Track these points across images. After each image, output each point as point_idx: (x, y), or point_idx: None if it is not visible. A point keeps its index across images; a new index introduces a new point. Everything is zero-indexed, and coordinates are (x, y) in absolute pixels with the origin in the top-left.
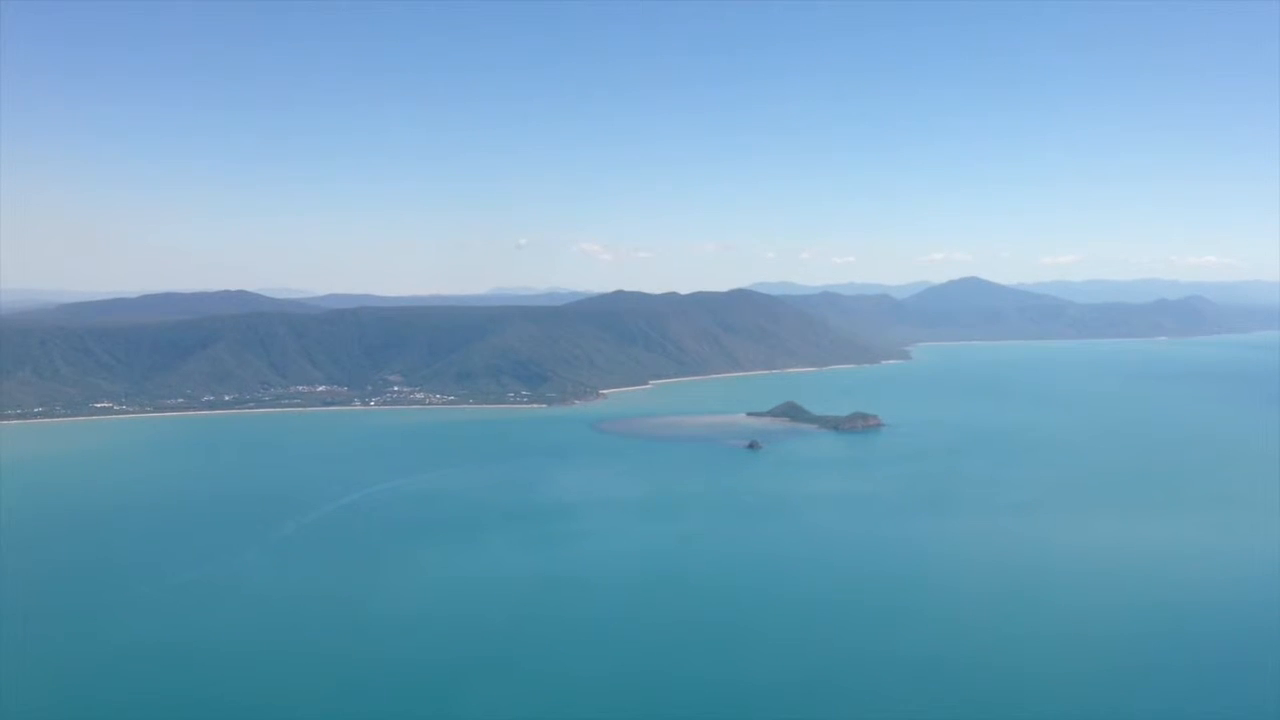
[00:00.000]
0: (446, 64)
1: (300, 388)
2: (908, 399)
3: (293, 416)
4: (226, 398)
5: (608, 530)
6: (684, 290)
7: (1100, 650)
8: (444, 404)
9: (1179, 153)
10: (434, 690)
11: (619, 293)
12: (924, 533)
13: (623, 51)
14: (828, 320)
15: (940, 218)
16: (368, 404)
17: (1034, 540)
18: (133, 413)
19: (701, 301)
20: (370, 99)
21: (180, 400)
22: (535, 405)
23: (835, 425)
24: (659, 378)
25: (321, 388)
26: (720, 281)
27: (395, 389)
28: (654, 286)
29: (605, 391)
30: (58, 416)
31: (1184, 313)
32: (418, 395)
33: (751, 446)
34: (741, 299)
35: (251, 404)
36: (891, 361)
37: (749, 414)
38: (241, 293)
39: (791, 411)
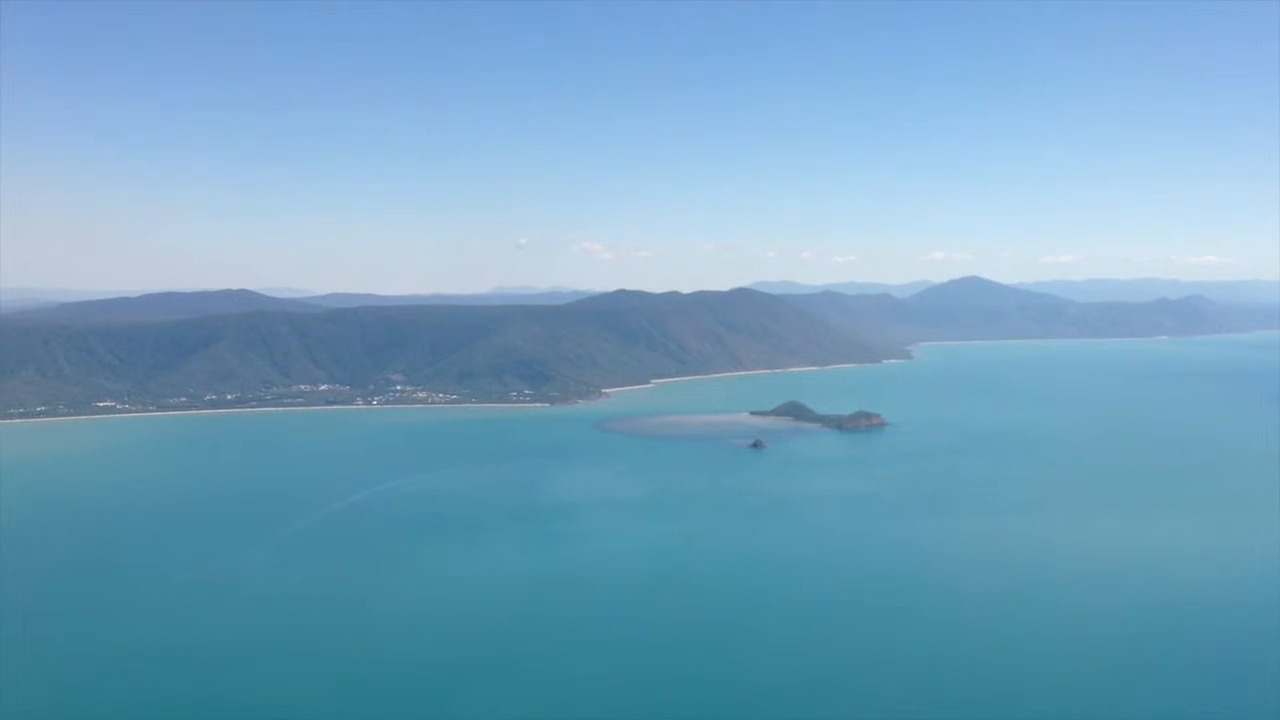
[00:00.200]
0: (447, 64)
1: (302, 387)
2: (910, 398)
3: (295, 416)
4: (229, 397)
5: (611, 530)
6: (685, 289)
7: (1101, 650)
8: (446, 403)
9: (1179, 152)
10: (436, 690)
11: (621, 292)
12: (926, 532)
13: (623, 51)
14: (829, 320)
15: (941, 217)
16: (370, 403)
17: (1035, 540)
18: (135, 412)
19: (703, 301)
20: (370, 99)
21: (183, 399)
22: (538, 404)
23: (838, 424)
24: (661, 377)
25: (324, 387)
26: (721, 281)
27: (397, 388)
28: (655, 286)
29: (608, 390)
30: (61, 415)
31: (1184, 312)
32: (420, 394)
33: (755, 446)
34: (743, 298)
35: (254, 403)
36: (893, 361)
37: (752, 413)
38: (243, 292)
39: (795, 411)
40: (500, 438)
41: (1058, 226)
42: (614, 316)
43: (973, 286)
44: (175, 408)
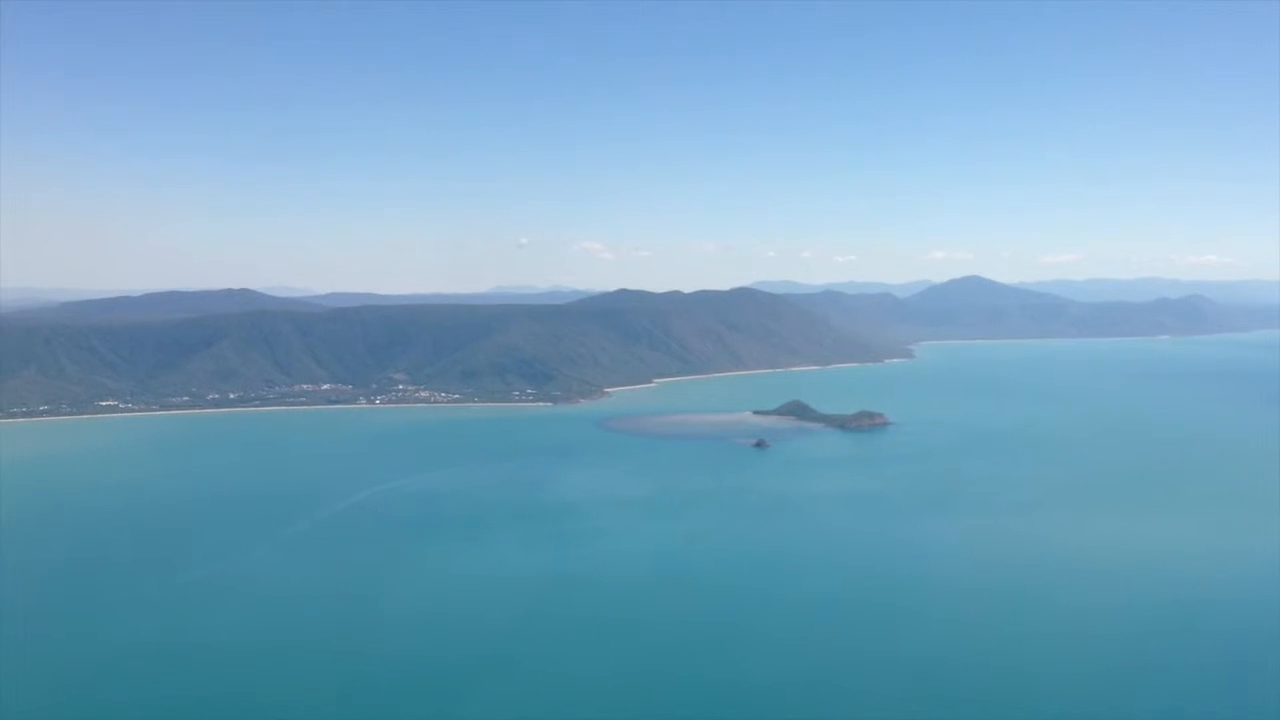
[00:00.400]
0: (447, 63)
1: (305, 386)
2: (913, 398)
3: (298, 415)
4: (231, 396)
5: (616, 529)
6: (686, 289)
7: (1103, 649)
8: (449, 402)
9: (1179, 152)
10: (442, 689)
11: (622, 291)
12: (930, 532)
13: (623, 51)
14: (830, 319)
15: (941, 217)
16: (372, 402)
17: (1039, 539)
18: (138, 411)
19: (705, 300)
20: (370, 98)
21: (185, 398)
22: (540, 403)
23: (841, 424)
24: (663, 376)
25: (326, 386)
26: (721, 281)
27: (400, 387)
28: (655, 285)
29: (610, 390)
30: (63, 415)
31: (1185, 312)
32: (422, 394)
33: (759, 445)
34: (744, 297)
35: (256, 402)
36: (895, 360)
37: (755, 412)
38: (245, 291)
39: (797, 410)
40: (503, 437)
41: (1058, 226)
42: (616, 316)
43: (973, 286)
44: (178, 407)
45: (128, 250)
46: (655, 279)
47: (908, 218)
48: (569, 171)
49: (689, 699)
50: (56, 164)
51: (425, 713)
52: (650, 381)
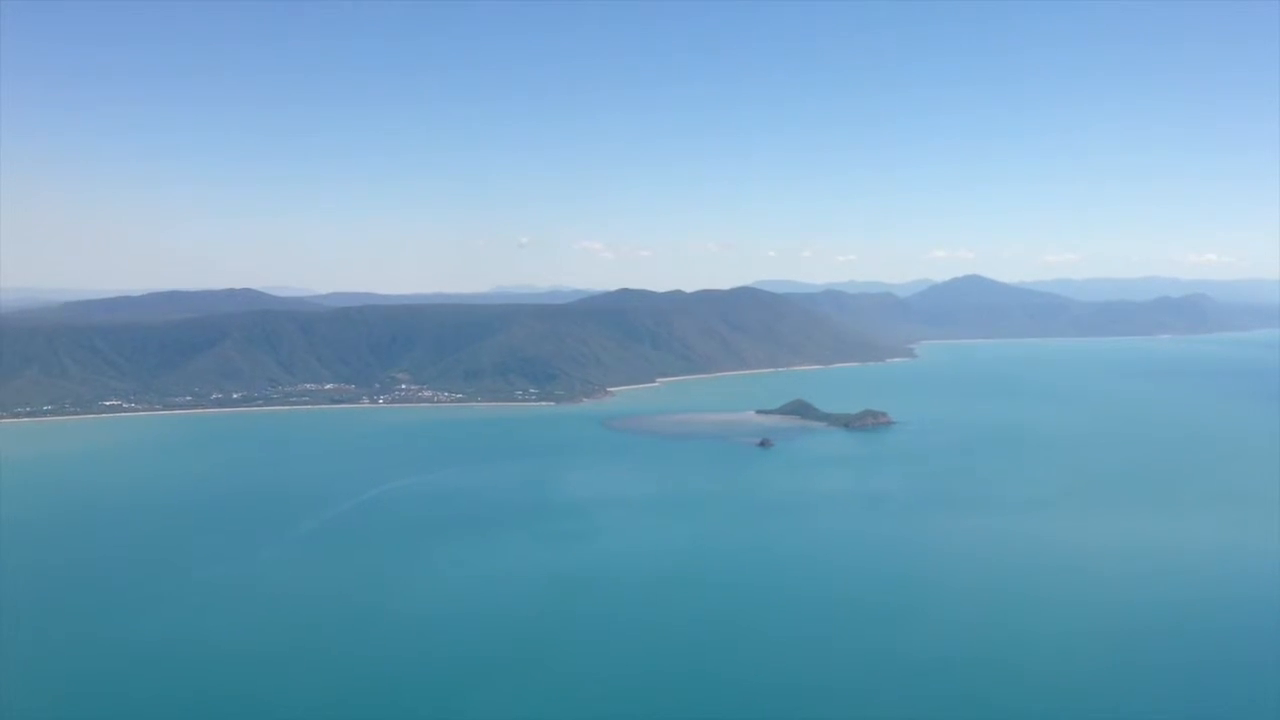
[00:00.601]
0: (447, 63)
1: (308, 386)
2: (916, 397)
3: (301, 414)
4: (235, 396)
5: (623, 528)
6: (686, 289)
7: (1110, 648)
8: (452, 402)
9: (1179, 151)
10: (453, 689)
11: (624, 291)
12: (937, 531)
13: (623, 50)
14: (832, 318)
15: (941, 216)
16: (376, 402)
17: (1045, 538)
18: (142, 411)
19: (707, 299)
20: (371, 97)
21: (189, 398)
22: (543, 403)
23: (845, 423)
24: (666, 375)
25: (329, 386)
26: (721, 280)
27: (403, 387)
28: (656, 285)
29: (613, 389)
30: (67, 414)
31: (1186, 311)
32: (426, 393)
33: (763, 444)
34: (746, 297)
35: (260, 402)
36: (897, 359)
37: (758, 411)
38: (247, 291)
39: (801, 409)
40: (508, 436)
41: (1058, 225)
42: (618, 315)
43: (974, 285)
44: (181, 407)
45: (128, 250)
46: (656, 278)
47: (908, 217)
48: (569, 171)
49: (698, 698)
50: (56, 164)
51: (435, 713)
52: (653, 381)
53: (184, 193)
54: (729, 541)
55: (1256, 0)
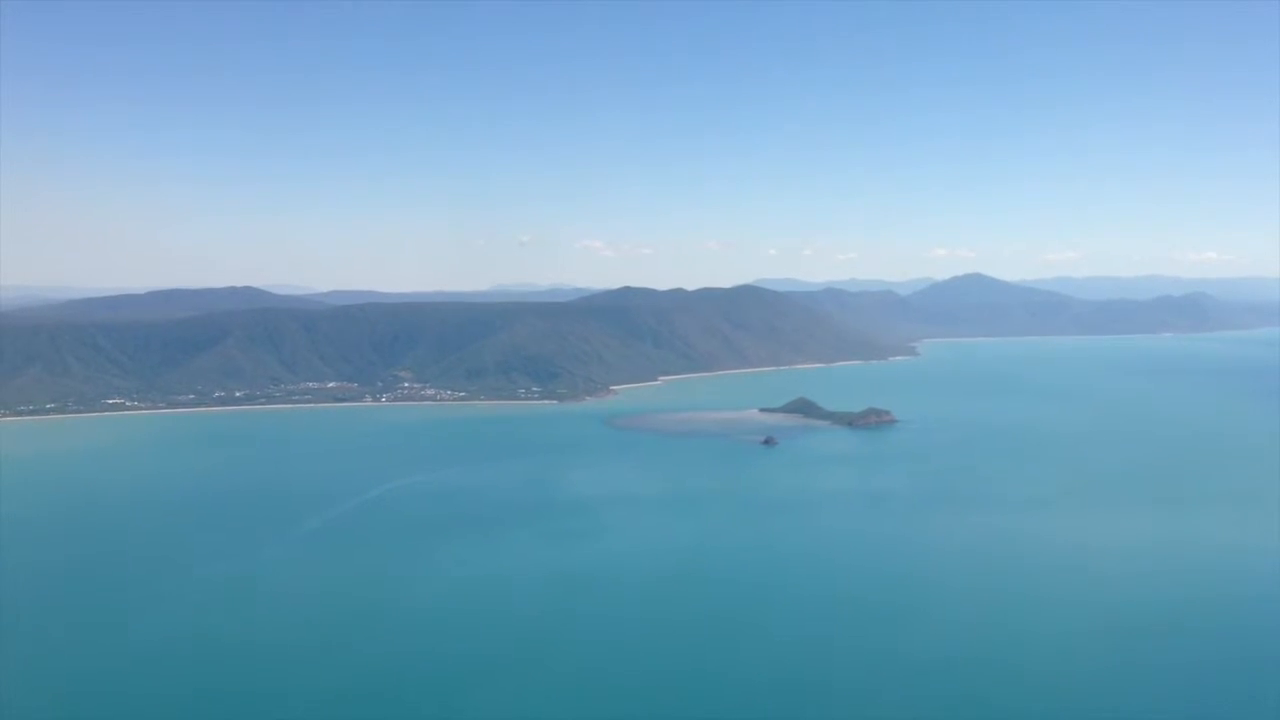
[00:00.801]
0: (448, 61)
1: (311, 384)
2: (918, 395)
3: (304, 413)
4: (238, 394)
5: (629, 526)
6: (687, 287)
7: (1112, 648)
8: (455, 400)
9: (1179, 149)
10: (459, 686)
11: (626, 289)
12: (943, 530)
13: (623, 49)
14: (833, 316)
15: (942, 214)
16: (379, 400)
17: (1051, 537)
18: (145, 409)
19: (709, 298)
20: (371, 96)
21: (192, 396)
22: (546, 401)
23: (849, 421)
24: (668, 374)
25: (332, 384)
26: (722, 278)
27: (405, 385)
28: (656, 283)
29: (616, 388)
30: (70, 413)
31: (1187, 309)
32: (428, 391)
33: (767, 442)
34: (748, 295)
35: (263, 400)
36: (899, 358)
37: (761, 410)
38: (248, 289)
39: (804, 407)
40: (511, 434)
41: (1059, 224)
42: (620, 313)
43: (975, 284)
44: (184, 405)
45: (128, 249)
46: (656, 277)
47: (908, 215)
48: (569, 169)
49: (700, 697)
50: (56, 162)
51: (439, 710)
52: (655, 379)
53: (184, 191)
54: (733, 540)
55: (1256, 0)
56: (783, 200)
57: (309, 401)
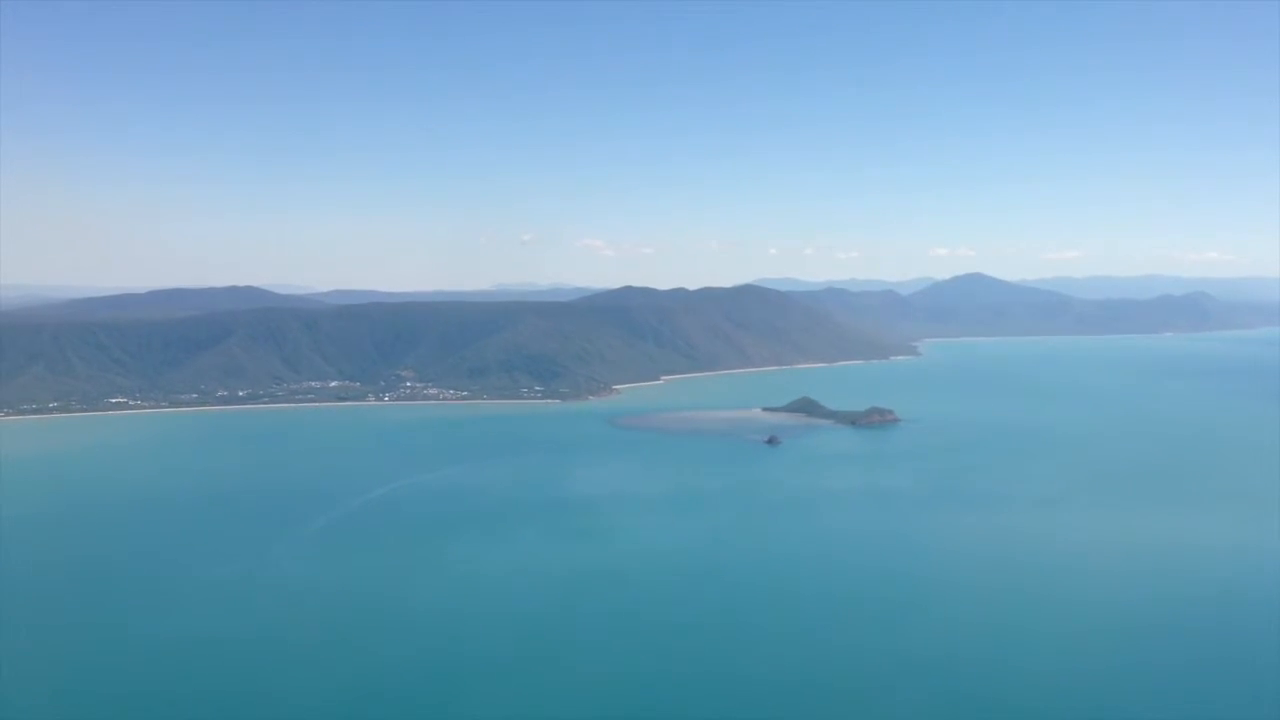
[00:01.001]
0: (449, 60)
1: (313, 383)
2: (921, 394)
3: (307, 412)
4: (240, 393)
5: (635, 525)
6: (688, 286)
7: (1116, 647)
8: (457, 399)
9: (1179, 149)
10: (462, 684)
11: (628, 288)
12: (947, 529)
13: (624, 48)
14: (835, 316)
15: (942, 214)
16: (381, 399)
17: (1057, 536)
18: (148, 408)
19: (711, 297)
20: (373, 95)
21: (194, 395)
22: (549, 400)
23: (852, 420)
24: (670, 373)
25: (334, 383)
26: (722, 278)
27: (408, 385)
28: (656, 282)
29: (618, 387)
30: (73, 411)
31: (1188, 309)
32: (431, 391)
33: (770, 441)
34: (750, 294)
35: (265, 399)
36: (900, 357)
37: (764, 409)
38: (250, 288)
39: (807, 406)
40: (516, 433)
41: (1059, 223)
42: (622, 313)
43: (976, 283)
44: (187, 404)
45: (128, 248)
46: (657, 276)
47: (909, 215)
48: (571, 169)
49: (706, 696)
50: (56, 161)
51: (447, 709)
52: (658, 378)
53: (184, 191)
54: (740, 539)
55: (1257, 0)
56: (783, 200)
57: (312, 401)
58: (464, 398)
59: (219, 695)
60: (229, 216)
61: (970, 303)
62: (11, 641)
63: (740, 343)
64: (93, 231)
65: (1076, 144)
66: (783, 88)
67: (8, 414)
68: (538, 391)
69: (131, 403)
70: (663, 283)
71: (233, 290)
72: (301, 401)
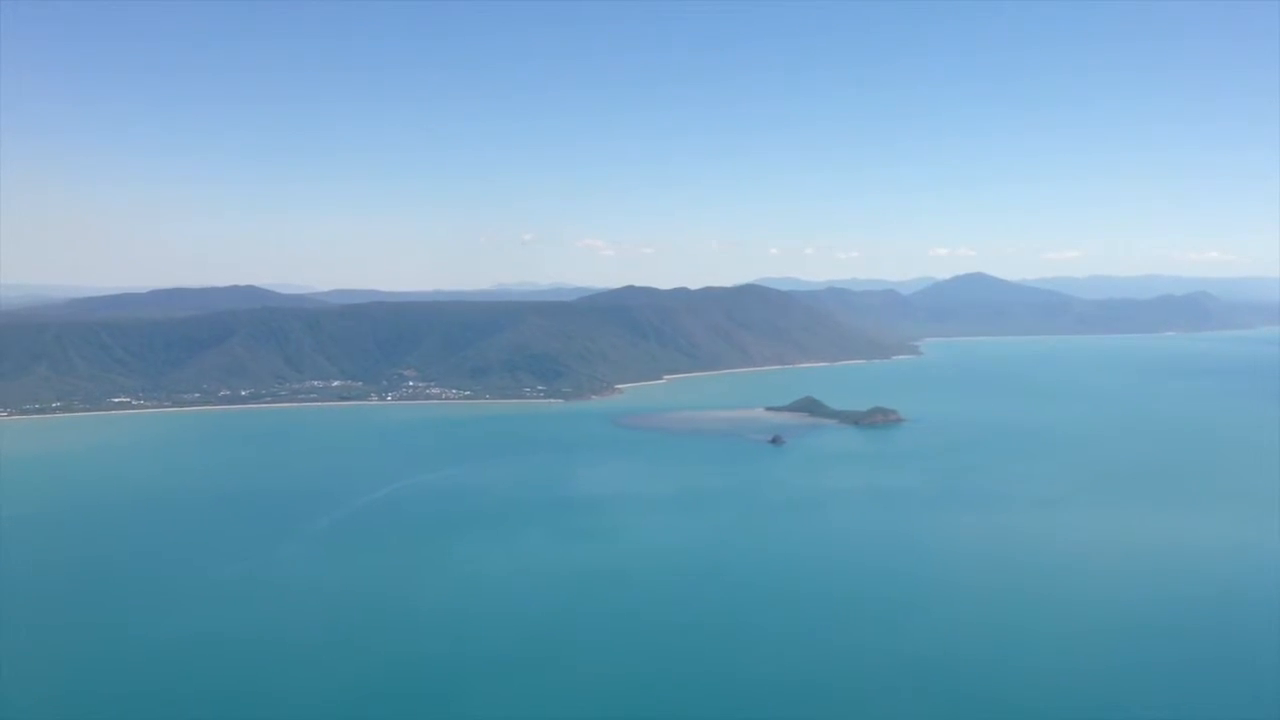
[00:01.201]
0: (450, 60)
1: (315, 383)
2: (924, 394)
3: (310, 411)
4: (243, 393)
5: (641, 525)
6: (690, 286)
7: (1118, 646)
8: (460, 399)
9: (1181, 149)
10: (468, 685)
11: (629, 288)
12: (953, 529)
13: (625, 48)
14: (836, 315)
15: (943, 214)
16: (384, 399)
17: (1058, 536)
18: (151, 407)
19: (712, 297)
20: (373, 94)
21: (197, 395)
22: (552, 400)
23: (856, 420)
24: (672, 372)
25: (337, 383)
26: (723, 277)
27: (410, 384)
28: (657, 282)
29: (621, 386)
30: (76, 411)
31: (1189, 309)
32: (433, 390)
33: (774, 441)
34: (751, 294)
35: (268, 399)
36: (902, 357)
37: (767, 409)
38: (251, 288)
39: (810, 406)
40: (519, 433)
41: (1059, 223)
42: (624, 312)
43: (976, 283)
44: (190, 404)
45: (128, 248)
46: (657, 276)
47: (909, 215)
48: (571, 168)
49: (710, 696)
50: (56, 161)
51: (453, 709)
52: (660, 378)
53: (185, 190)
54: (743, 539)
55: (1257, 0)
56: (783, 200)
57: (314, 400)
58: (466, 397)
59: (222, 695)
60: (229, 216)
61: (971, 302)
62: (14, 641)
63: (742, 342)
64: (93, 231)
65: (1076, 144)
66: (783, 88)
67: (11, 414)
68: (540, 391)
69: (134, 402)
70: (663, 283)
71: (234, 290)
72: (304, 401)
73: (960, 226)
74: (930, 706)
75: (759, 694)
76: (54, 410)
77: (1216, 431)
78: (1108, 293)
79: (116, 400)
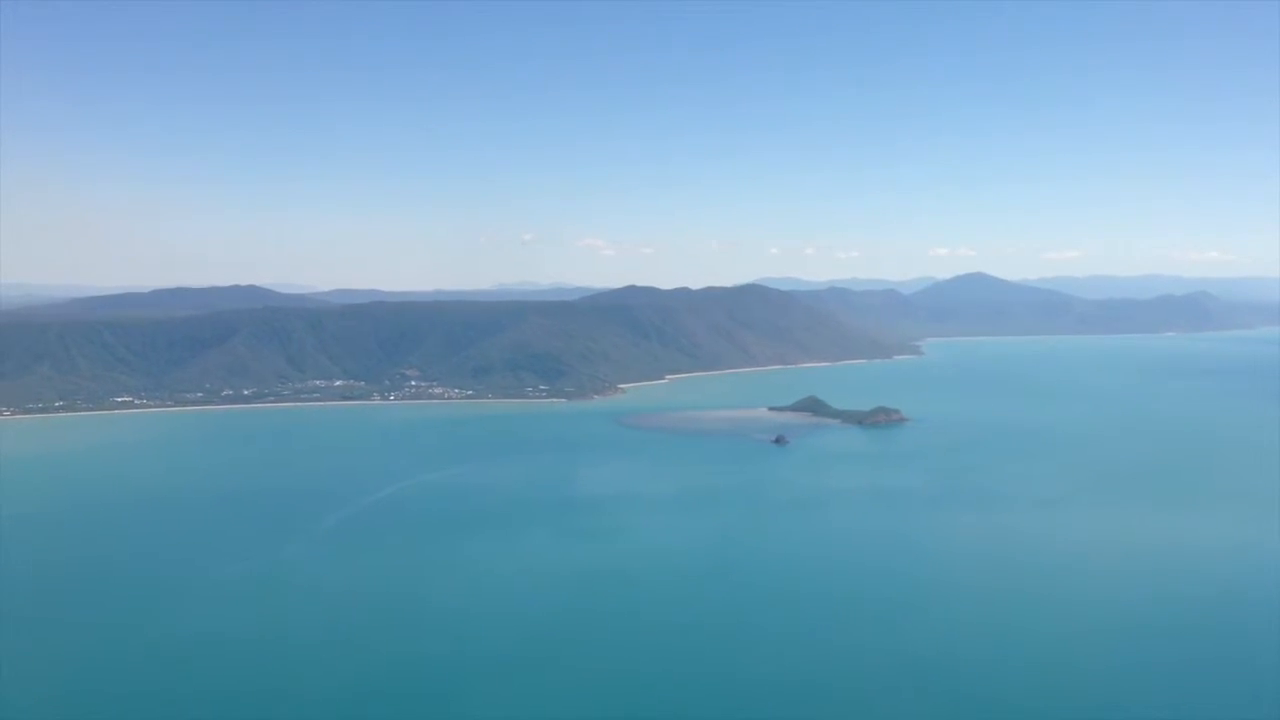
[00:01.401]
0: (450, 60)
1: (318, 382)
2: (926, 394)
3: (312, 411)
4: (245, 392)
5: (646, 525)
6: (690, 286)
7: (1119, 646)
8: (462, 399)
9: (1181, 149)
10: (473, 684)
11: (631, 288)
12: (956, 529)
13: (626, 48)
14: (837, 315)
15: (943, 214)
16: (386, 399)
17: (1060, 536)
18: (153, 407)
19: (714, 296)
20: (374, 95)
21: (200, 394)
22: (554, 400)
23: (859, 420)
24: (675, 372)
25: (339, 382)
26: (723, 277)
27: (413, 384)
28: (657, 282)
29: (623, 386)
30: (79, 410)
31: (1189, 309)
32: (436, 390)
33: (778, 441)
34: (752, 294)
35: (270, 398)
36: (903, 356)
37: (770, 408)
38: (253, 288)
39: (813, 406)
40: (522, 433)
41: (1059, 223)
42: (625, 312)
43: (977, 283)
44: (192, 403)
45: (129, 247)
46: (657, 276)
47: (909, 214)
48: (571, 168)
49: (714, 696)
50: (57, 160)
51: (458, 708)
52: (662, 377)
53: (185, 190)
54: (749, 539)
55: (1257, 0)
56: (783, 200)
57: (317, 400)
58: (469, 397)
59: (224, 694)
60: (230, 216)
61: (971, 302)
62: (15, 640)
63: (744, 342)
64: (94, 231)
65: (1076, 144)
66: (783, 88)
67: (13, 413)
68: (543, 390)
69: (137, 402)
70: (663, 282)
71: (235, 289)
72: (307, 400)
73: (960, 226)
74: (931, 706)
75: (760, 694)
76: (56, 409)
77: (1216, 431)
78: (1108, 293)
79: (119, 400)
